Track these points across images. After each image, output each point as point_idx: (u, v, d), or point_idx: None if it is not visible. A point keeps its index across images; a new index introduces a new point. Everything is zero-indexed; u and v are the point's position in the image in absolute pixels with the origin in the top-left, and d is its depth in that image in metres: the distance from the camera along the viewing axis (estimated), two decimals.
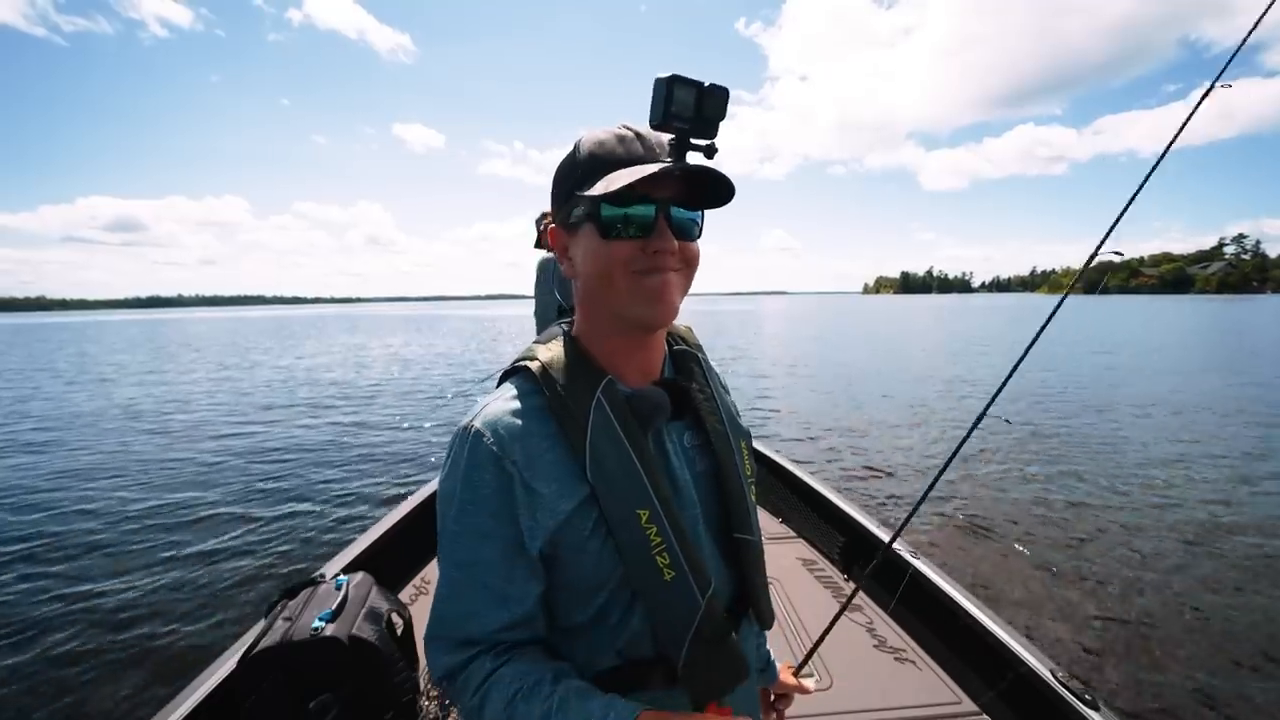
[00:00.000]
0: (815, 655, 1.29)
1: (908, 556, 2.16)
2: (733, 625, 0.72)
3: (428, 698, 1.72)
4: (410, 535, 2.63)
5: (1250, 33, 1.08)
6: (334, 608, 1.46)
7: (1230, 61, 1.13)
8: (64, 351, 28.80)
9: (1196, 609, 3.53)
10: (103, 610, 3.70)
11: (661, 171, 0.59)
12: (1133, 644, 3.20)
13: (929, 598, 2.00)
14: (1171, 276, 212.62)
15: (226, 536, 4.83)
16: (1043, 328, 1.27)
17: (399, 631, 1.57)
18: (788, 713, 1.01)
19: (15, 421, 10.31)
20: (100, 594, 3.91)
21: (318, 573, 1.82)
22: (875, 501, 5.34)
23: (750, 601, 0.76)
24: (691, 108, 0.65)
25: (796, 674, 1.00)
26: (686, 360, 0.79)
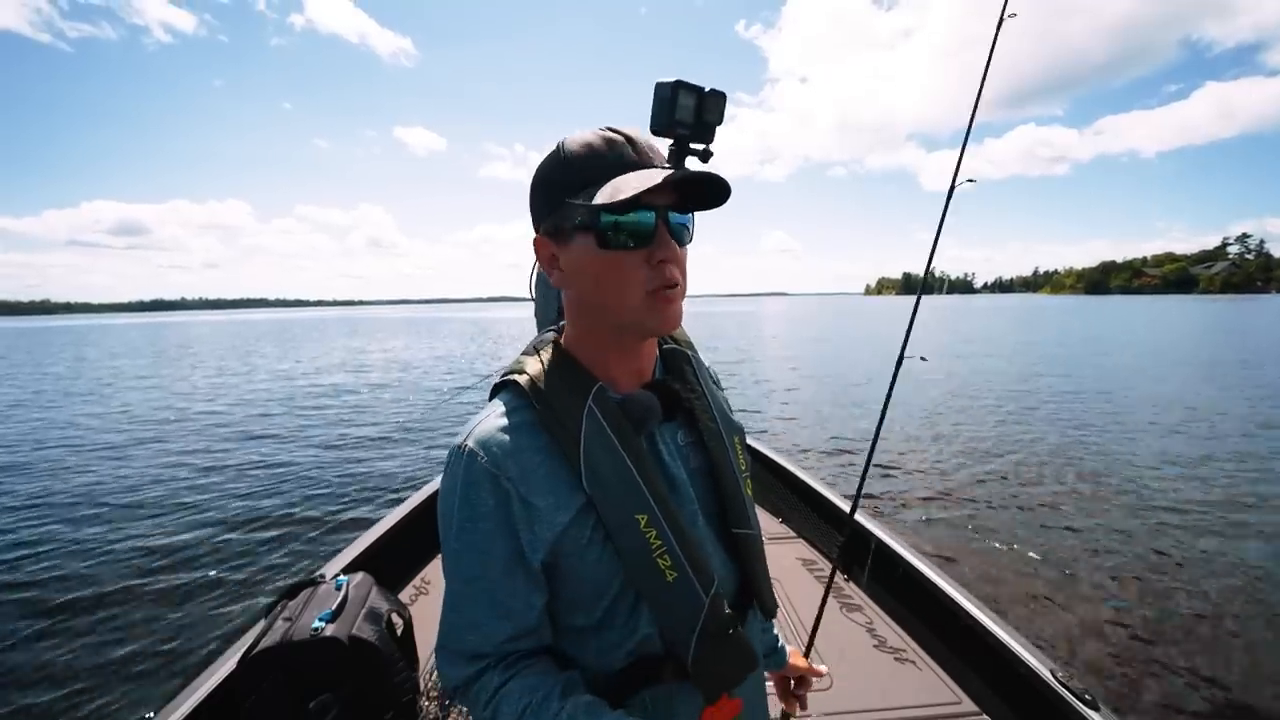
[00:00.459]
0: (814, 654, 1.29)
1: (908, 556, 2.16)
2: (738, 618, 0.72)
3: (428, 698, 1.72)
4: (410, 535, 2.63)
5: None
6: (334, 608, 1.46)
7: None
8: (71, 355, 28.90)
9: (1199, 612, 3.52)
10: (103, 611, 3.71)
11: (666, 179, 0.58)
12: (1133, 644, 3.19)
13: (929, 598, 1.99)
14: (1175, 277, 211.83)
15: (227, 537, 4.84)
16: (922, 290, 1.29)
17: (399, 632, 1.57)
18: (780, 711, 1.01)
19: (23, 423, 10.35)
20: (100, 594, 3.93)
21: (318, 573, 1.82)
22: (874, 500, 5.35)
23: (753, 593, 0.77)
24: (692, 112, 0.64)
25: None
26: (677, 360, 0.79)
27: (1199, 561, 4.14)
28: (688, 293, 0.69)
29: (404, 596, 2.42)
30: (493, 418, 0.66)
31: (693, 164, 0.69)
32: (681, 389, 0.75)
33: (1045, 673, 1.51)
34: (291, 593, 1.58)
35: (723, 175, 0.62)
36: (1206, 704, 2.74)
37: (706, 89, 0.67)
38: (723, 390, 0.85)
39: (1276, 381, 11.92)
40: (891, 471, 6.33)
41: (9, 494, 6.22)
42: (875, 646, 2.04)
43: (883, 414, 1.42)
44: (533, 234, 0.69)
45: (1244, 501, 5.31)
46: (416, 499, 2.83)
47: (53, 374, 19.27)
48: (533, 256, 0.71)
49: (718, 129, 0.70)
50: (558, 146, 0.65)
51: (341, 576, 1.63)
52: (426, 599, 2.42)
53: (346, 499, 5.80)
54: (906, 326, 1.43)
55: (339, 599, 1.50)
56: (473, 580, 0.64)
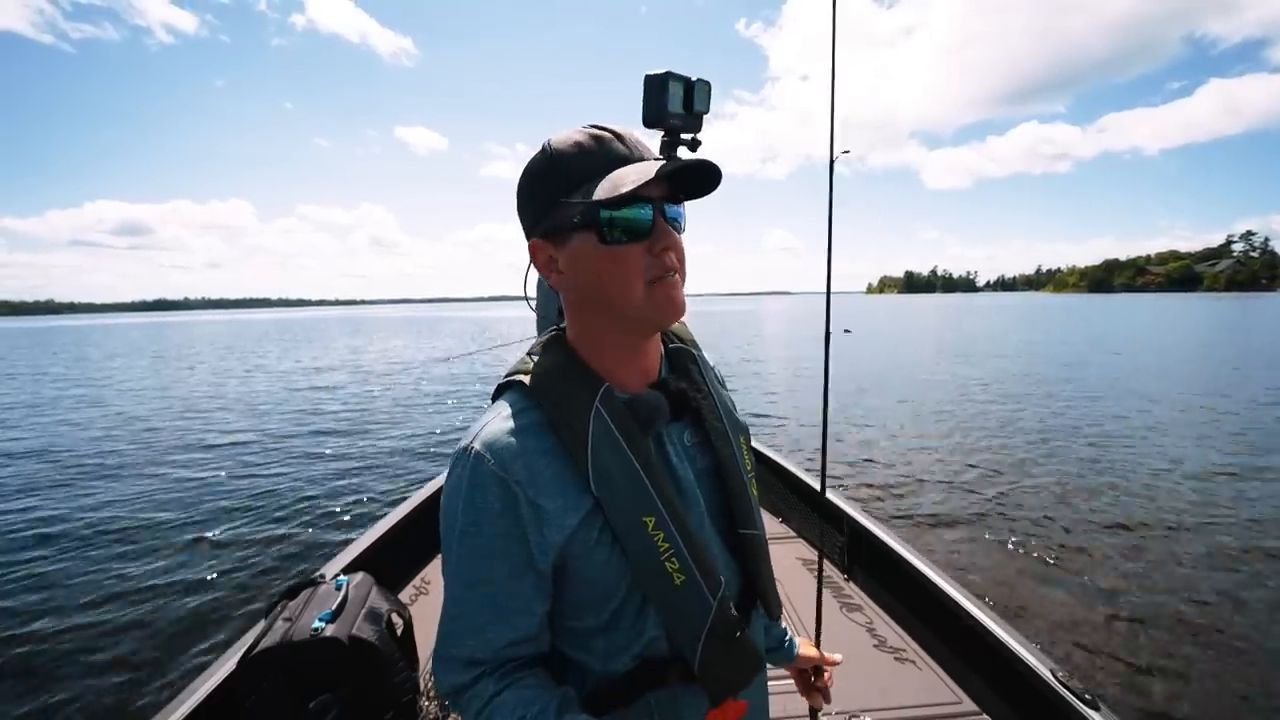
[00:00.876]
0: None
1: (908, 556, 2.15)
2: (744, 620, 0.72)
3: (427, 698, 1.72)
4: (410, 535, 2.63)
5: None
6: (334, 608, 1.46)
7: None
8: (73, 355, 29.00)
9: (1200, 612, 3.51)
10: (103, 611, 3.72)
11: (662, 169, 0.59)
12: (1133, 644, 3.18)
13: (929, 597, 1.99)
14: (1179, 275, 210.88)
15: (227, 537, 4.86)
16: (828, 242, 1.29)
17: (399, 632, 1.57)
18: (775, 709, 1.00)
19: (27, 423, 10.39)
20: (100, 595, 3.94)
21: (318, 573, 1.83)
22: (873, 500, 5.34)
23: (759, 594, 0.77)
24: (682, 102, 0.65)
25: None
26: (683, 359, 0.79)
27: (1200, 561, 4.13)
28: (687, 291, 0.69)
29: (404, 596, 2.42)
30: (499, 419, 0.65)
31: (683, 153, 0.70)
32: (688, 388, 0.74)
33: (1045, 673, 1.51)
34: (291, 593, 1.59)
35: (713, 161, 0.62)
36: (1207, 704, 2.73)
37: (694, 78, 0.67)
38: (727, 390, 0.85)
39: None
40: (892, 471, 6.32)
41: (9, 493, 6.25)
42: (875, 646, 2.04)
43: (825, 388, 1.41)
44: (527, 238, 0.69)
45: (1245, 502, 5.30)
46: (416, 499, 2.83)
47: (54, 374, 19.34)
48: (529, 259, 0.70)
49: (705, 118, 0.70)
50: (543, 148, 0.64)
51: (341, 576, 1.63)
52: (426, 599, 2.42)
53: (346, 499, 5.81)
54: (825, 309, 1.46)
55: (339, 599, 1.50)
56: (476, 584, 0.63)
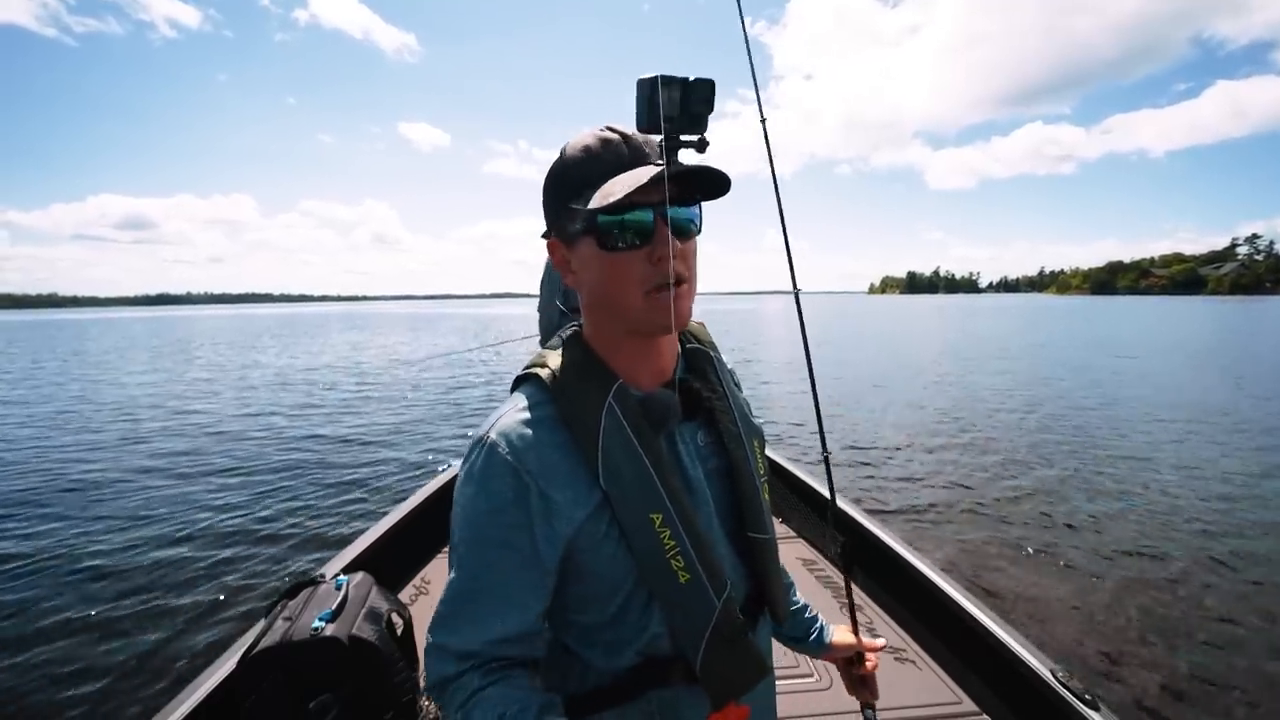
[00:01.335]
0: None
1: (908, 556, 2.15)
2: (750, 625, 0.72)
3: (427, 698, 1.72)
4: (410, 535, 2.63)
5: None
6: (334, 608, 1.46)
7: None
8: (72, 349, 29.07)
9: (1201, 611, 3.50)
10: (102, 611, 3.72)
11: (653, 177, 0.59)
12: (1134, 644, 3.17)
13: (929, 598, 1.98)
14: (1183, 277, 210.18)
15: (227, 537, 4.86)
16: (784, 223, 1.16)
17: (399, 631, 1.57)
18: (780, 710, 1.00)
19: (28, 421, 10.42)
20: (100, 594, 3.94)
21: (318, 573, 1.83)
22: (876, 499, 5.34)
23: (766, 599, 0.77)
24: (678, 105, 0.64)
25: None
26: (699, 359, 0.79)
27: (1200, 560, 4.12)
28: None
29: (404, 596, 2.42)
30: (515, 411, 0.66)
31: (689, 155, 0.69)
32: (703, 389, 0.74)
33: (1045, 673, 1.51)
34: (291, 592, 1.59)
35: (715, 165, 0.62)
36: (1207, 704, 2.72)
37: (691, 79, 0.66)
38: (742, 392, 0.84)
39: None
40: (894, 472, 6.31)
41: (9, 491, 6.26)
42: None
43: (814, 391, 1.28)
44: (540, 234, 0.70)
45: (1247, 501, 5.28)
46: (417, 498, 2.82)
47: (57, 367, 19.38)
48: (536, 254, 0.71)
49: (709, 118, 0.69)
50: (561, 151, 0.66)
51: (341, 576, 1.63)
52: (426, 599, 2.42)
53: (346, 498, 5.81)
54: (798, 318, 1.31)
55: (339, 599, 1.50)
56: (480, 573, 0.64)
